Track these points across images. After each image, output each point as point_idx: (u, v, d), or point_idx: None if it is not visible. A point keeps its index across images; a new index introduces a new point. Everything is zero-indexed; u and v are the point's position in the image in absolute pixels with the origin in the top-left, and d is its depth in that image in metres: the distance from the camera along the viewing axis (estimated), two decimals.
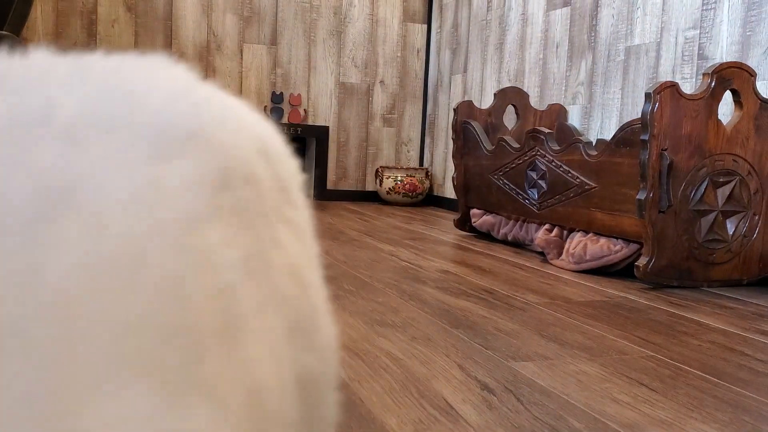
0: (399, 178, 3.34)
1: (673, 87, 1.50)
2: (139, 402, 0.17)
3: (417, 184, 3.36)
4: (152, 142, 0.22)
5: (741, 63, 1.56)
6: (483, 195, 2.25)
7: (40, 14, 2.94)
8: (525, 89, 2.69)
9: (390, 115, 3.53)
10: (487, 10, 3.02)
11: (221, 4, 3.19)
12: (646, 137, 1.51)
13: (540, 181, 1.95)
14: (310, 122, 3.38)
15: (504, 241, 2.21)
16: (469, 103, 2.36)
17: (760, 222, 1.62)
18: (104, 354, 0.18)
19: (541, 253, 1.98)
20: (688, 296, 1.49)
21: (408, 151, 3.58)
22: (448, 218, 2.90)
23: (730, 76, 1.55)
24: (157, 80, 0.26)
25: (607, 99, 2.27)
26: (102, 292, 0.18)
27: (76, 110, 0.22)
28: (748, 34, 1.77)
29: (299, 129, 3.33)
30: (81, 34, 3.00)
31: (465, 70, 3.21)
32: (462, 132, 2.35)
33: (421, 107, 3.59)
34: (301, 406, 0.27)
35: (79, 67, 0.25)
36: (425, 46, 3.56)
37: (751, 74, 1.56)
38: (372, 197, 3.54)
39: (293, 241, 0.29)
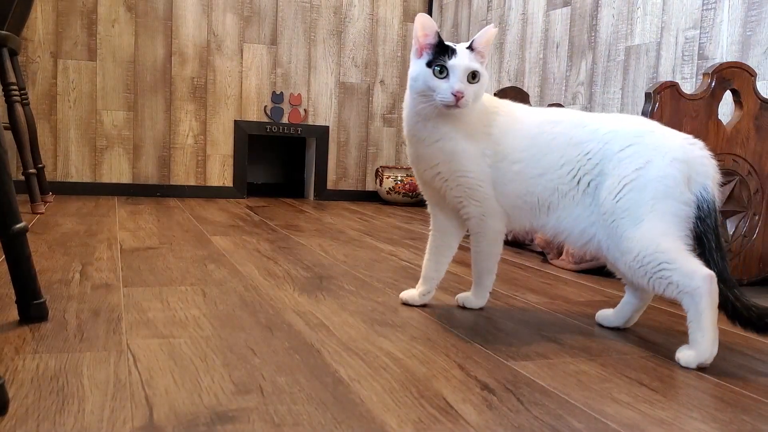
0: (399, 178, 3.34)
1: (673, 87, 1.50)
2: None
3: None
4: None
5: (741, 63, 1.56)
6: None
7: (41, 14, 2.94)
8: (525, 89, 2.69)
9: (390, 115, 3.54)
10: (487, 10, 3.02)
11: (221, 3, 3.19)
12: None
13: None
14: (310, 122, 3.38)
15: (504, 241, 2.21)
16: None
17: (760, 222, 1.62)
18: None
19: (541, 253, 1.98)
20: None
21: None
22: None
23: (730, 76, 1.55)
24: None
25: (607, 99, 2.27)
26: None
27: None
28: (748, 33, 1.77)
29: (299, 129, 3.33)
30: (81, 34, 3.00)
31: None
32: None
33: None
34: None
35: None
36: None
37: (751, 74, 1.56)
38: (372, 197, 3.54)
39: None
